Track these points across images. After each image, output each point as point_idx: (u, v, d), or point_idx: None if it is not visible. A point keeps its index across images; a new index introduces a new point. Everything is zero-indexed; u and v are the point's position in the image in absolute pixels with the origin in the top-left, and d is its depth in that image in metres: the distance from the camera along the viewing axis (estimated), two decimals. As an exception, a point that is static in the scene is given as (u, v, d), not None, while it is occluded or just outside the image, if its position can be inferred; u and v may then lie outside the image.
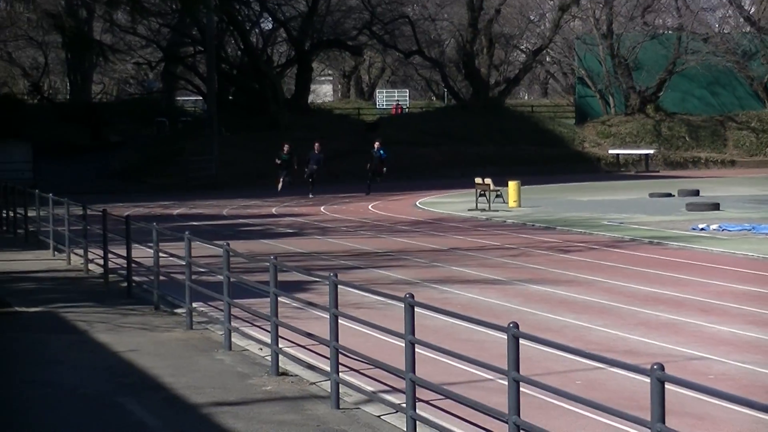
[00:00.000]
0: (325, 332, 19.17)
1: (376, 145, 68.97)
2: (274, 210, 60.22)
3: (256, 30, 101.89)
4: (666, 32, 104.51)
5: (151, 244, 29.95)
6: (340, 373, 19.02)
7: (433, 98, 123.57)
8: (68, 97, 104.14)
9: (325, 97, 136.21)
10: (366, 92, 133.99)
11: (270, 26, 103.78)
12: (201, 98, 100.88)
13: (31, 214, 46.74)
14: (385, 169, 68.87)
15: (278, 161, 68.75)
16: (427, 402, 17.29)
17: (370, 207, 61.96)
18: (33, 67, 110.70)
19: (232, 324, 24.15)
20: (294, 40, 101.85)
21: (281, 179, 68.37)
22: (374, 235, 46.94)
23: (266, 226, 52.37)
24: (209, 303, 26.77)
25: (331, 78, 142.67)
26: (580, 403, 14.21)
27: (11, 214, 50.57)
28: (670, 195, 64.08)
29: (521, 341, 14.04)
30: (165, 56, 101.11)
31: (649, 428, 11.65)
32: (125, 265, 32.38)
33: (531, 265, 37.14)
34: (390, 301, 18.67)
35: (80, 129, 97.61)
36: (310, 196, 65.58)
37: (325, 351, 19.49)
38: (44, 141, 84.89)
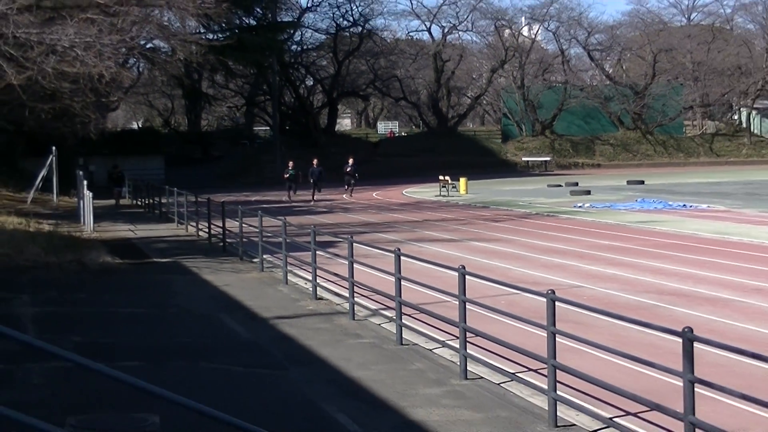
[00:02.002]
0: (346, 272, 19.17)
1: (350, 161, 59.81)
2: (314, 196, 60.04)
3: (303, 85, 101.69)
4: (557, 84, 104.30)
5: (237, 219, 30.05)
6: (355, 298, 19.06)
7: (413, 127, 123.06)
8: (187, 127, 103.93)
9: (346, 127, 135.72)
10: (372, 123, 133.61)
11: (311, 82, 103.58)
12: (269, 128, 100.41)
13: (163, 201, 46.83)
14: (357, 175, 59.75)
15: (286, 176, 57.72)
16: (409, 315, 17.27)
17: (374, 194, 61.69)
18: (165, 109, 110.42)
19: (288, 268, 24.12)
20: (326, 91, 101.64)
21: (290, 191, 57.37)
22: (377, 212, 46.80)
23: (309, 207, 52.21)
24: (274, 255, 26.73)
25: (350, 114, 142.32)
26: (504, 315, 14.21)
27: (151, 200, 50.69)
28: (559, 186, 64.01)
29: (467, 277, 14.06)
30: (246, 102, 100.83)
31: (545, 329, 11.69)
32: (221, 232, 32.46)
33: (474, 229, 37.10)
34: (386, 253, 18.66)
35: (194, 148, 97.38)
36: (312, 202, 53.86)
37: (345, 284, 19.48)
38: (172, 155, 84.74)
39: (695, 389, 9.26)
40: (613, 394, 11.29)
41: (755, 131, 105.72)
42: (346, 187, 58.96)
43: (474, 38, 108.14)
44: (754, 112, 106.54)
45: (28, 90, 35.66)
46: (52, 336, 16.95)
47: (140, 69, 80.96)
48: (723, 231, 33.75)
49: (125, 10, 33.23)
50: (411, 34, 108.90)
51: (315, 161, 57.33)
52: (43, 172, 55.03)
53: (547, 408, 11.77)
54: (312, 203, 52.64)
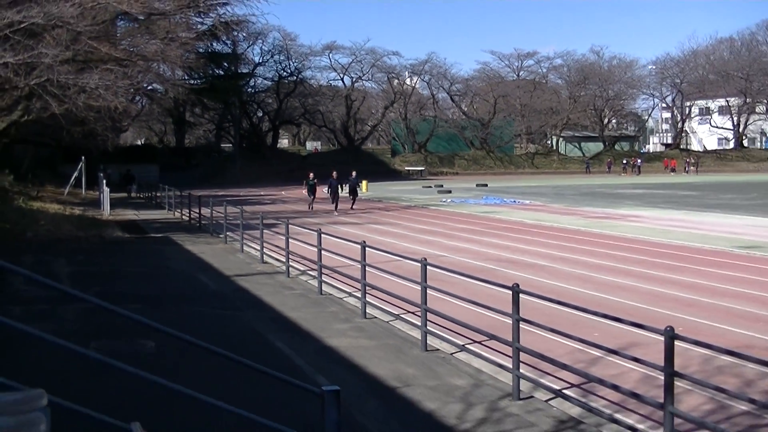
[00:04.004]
0: (284, 245, 19.07)
1: (353, 173, 44.32)
2: (262, 192, 59.55)
3: (255, 116, 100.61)
4: (429, 118, 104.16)
5: (209, 207, 29.71)
6: (290, 262, 18.98)
7: (331, 145, 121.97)
8: (175, 144, 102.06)
9: (284, 145, 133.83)
10: (303, 141, 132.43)
11: (261, 114, 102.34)
12: (232, 145, 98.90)
13: (158, 195, 46.14)
14: (358, 188, 45.25)
15: (306, 186, 44.35)
16: (327, 274, 17.27)
17: (303, 191, 61.27)
18: (160, 131, 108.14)
19: (244, 241, 23.98)
20: (271, 120, 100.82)
21: (311, 201, 43.05)
22: (305, 204, 46.53)
23: (259, 199, 51.84)
24: (234, 232, 26.51)
25: (287, 136, 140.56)
26: (392, 275, 14.26)
27: (150, 195, 49.98)
28: (430, 187, 64.13)
29: (367, 249, 14.10)
30: (216, 127, 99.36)
31: (420, 285, 11.76)
32: (198, 216, 32.09)
33: (372, 216, 37.11)
34: (311, 231, 18.61)
35: (180, 158, 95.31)
36: (336, 213, 38.95)
37: (283, 253, 19.36)
38: (164, 163, 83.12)
39: (520, 325, 9.44)
40: (464, 328, 11.43)
41: (562, 152, 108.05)
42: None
43: (373, 85, 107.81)
44: (561, 139, 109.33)
45: (66, 117, 35.45)
46: (81, 286, 16.67)
47: (143, 103, 79.46)
48: (540, 219, 34.24)
49: (133, 63, 33.03)
50: (330, 81, 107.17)
51: (334, 173, 42.46)
52: (76, 174, 54.74)
53: (420, 338, 11.89)
54: (336, 213, 39.46)
